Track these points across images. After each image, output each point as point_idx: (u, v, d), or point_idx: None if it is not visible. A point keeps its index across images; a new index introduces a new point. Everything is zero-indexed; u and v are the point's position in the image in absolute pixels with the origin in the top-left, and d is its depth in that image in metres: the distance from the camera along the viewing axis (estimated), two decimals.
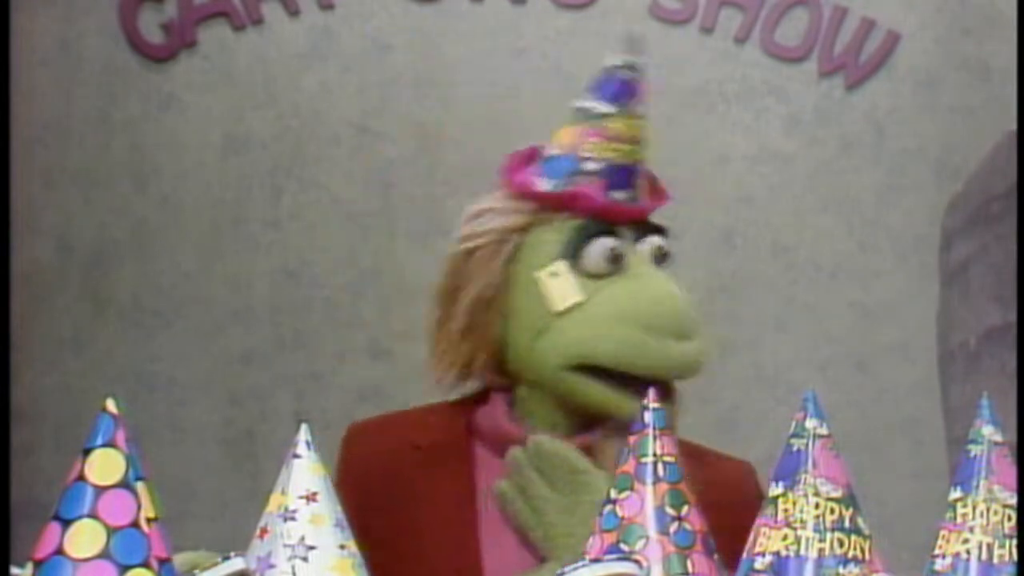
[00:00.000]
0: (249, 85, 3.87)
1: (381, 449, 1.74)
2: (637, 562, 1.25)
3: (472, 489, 1.71)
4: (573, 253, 1.69)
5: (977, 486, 1.25)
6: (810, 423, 1.28)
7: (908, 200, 3.80)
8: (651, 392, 1.35)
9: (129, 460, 1.16)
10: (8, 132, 3.40)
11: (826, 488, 1.25)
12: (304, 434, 1.31)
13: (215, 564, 1.21)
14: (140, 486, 1.18)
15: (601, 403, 1.70)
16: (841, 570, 1.22)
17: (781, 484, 1.26)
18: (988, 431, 1.27)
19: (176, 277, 3.85)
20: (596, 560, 1.24)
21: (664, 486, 1.29)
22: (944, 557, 1.25)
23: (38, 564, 1.12)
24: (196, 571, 1.21)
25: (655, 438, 1.32)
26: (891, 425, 3.74)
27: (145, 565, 1.13)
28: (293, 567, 1.23)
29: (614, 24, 3.84)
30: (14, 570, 1.21)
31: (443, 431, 1.74)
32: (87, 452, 1.15)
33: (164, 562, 1.17)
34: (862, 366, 3.77)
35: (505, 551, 1.67)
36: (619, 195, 1.71)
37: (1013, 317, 2.43)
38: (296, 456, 1.29)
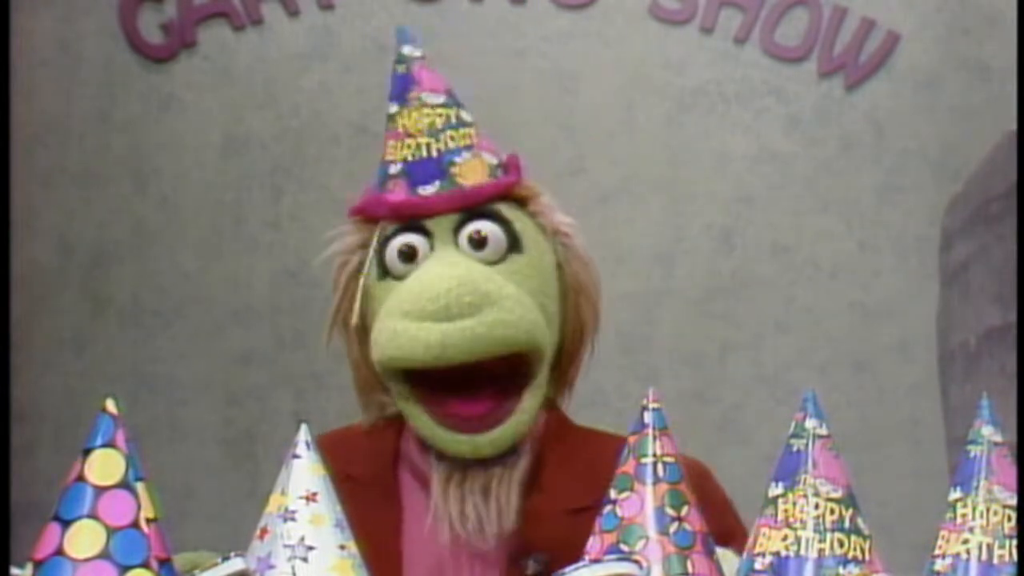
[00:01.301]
0: (249, 85, 3.88)
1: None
2: (637, 562, 1.25)
3: (398, 518, 1.69)
4: (380, 260, 1.68)
5: (977, 486, 1.25)
6: (810, 423, 1.28)
7: (908, 200, 3.80)
8: (651, 392, 1.35)
9: (129, 460, 1.16)
10: (8, 132, 3.40)
11: (826, 488, 1.25)
12: (304, 434, 1.31)
13: (215, 564, 1.20)
14: (140, 486, 1.17)
15: (418, 429, 1.67)
16: (841, 570, 1.22)
17: (781, 484, 1.26)
18: (988, 431, 1.27)
19: (176, 277, 3.85)
20: (596, 560, 1.24)
21: (664, 486, 1.29)
22: (944, 557, 1.25)
23: (38, 564, 1.12)
24: (196, 571, 1.21)
25: (655, 438, 1.31)
26: (891, 425, 3.74)
27: (145, 565, 1.13)
28: (293, 567, 1.23)
29: (614, 24, 3.85)
30: (14, 570, 1.21)
31: (373, 461, 1.72)
32: (87, 452, 1.15)
33: (164, 562, 1.17)
34: (862, 366, 3.77)
35: (427, 573, 1.66)
36: (427, 189, 1.67)
37: (1013, 317, 2.43)
38: (296, 456, 1.29)
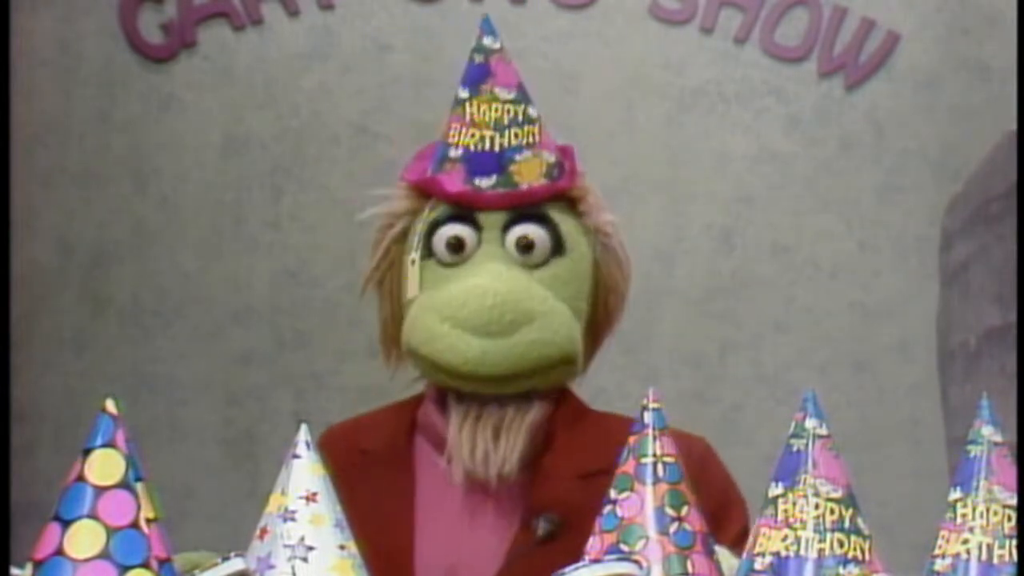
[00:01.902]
0: (249, 85, 3.87)
1: (335, 455, 1.76)
2: (637, 562, 1.25)
3: (411, 485, 1.73)
4: (427, 241, 1.72)
5: (977, 486, 1.25)
6: (810, 423, 1.28)
7: (908, 200, 3.80)
8: (651, 392, 1.35)
9: (129, 460, 1.16)
10: (8, 132, 3.40)
11: (826, 488, 1.25)
12: (304, 434, 1.31)
13: (215, 564, 1.21)
14: (140, 486, 1.18)
15: (431, 353, 1.70)
16: (841, 570, 1.23)
17: (781, 484, 1.26)
18: (988, 431, 1.27)
19: (176, 277, 3.85)
20: (596, 560, 1.24)
21: (664, 486, 1.29)
22: (944, 557, 1.25)
23: (38, 564, 1.12)
24: (196, 571, 1.21)
25: (655, 438, 1.32)
26: (891, 425, 3.73)
27: (145, 565, 1.13)
28: (293, 567, 1.23)
29: (614, 24, 3.84)
30: (14, 570, 1.21)
31: (389, 432, 1.77)
32: (87, 452, 1.15)
33: (164, 562, 1.17)
34: (862, 366, 3.77)
35: (438, 536, 1.70)
36: (483, 182, 1.71)
37: (1013, 317, 2.43)
38: (296, 456, 1.29)
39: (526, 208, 1.71)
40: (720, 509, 1.59)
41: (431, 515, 1.72)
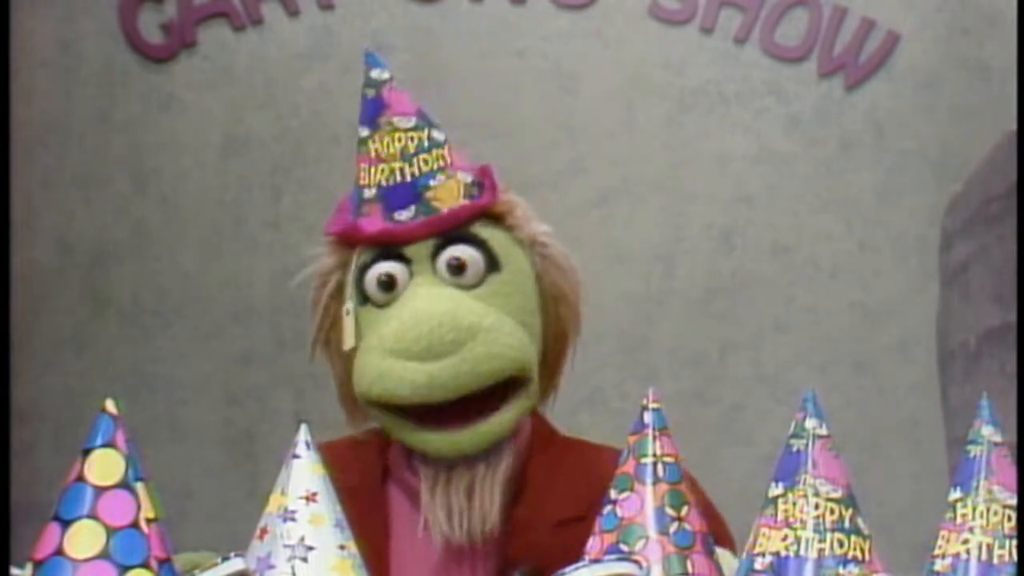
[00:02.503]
0: (249, 85, 3.87)
1: None
2: (637, 562, 1.25)
3: (385, 531, 1.70)
4: (359, 287, 1.69)
5: (977, 486, 1.25)
6: (810, 423, 1.28)
7: (908, 200, 3.80)
8: (651, 392, 1.35)
9: (129, 460, 1.16)
10: (8, 132, 3.40)
11: (826, 488, 1.25)
12: (304, 434, 1.31)
13: (215, 564, 1.21)
14: (140, 486, 1.18)
15: (399, 437, 1.69)
16: (841, 570, 1.23)
17: (781, 484, 1.26)
18: (988, 431, 1.27)
19: (176, 277, 3.85)
20: (596, 560, 1.24)
21: (664, 486, 1.29)
22: (944, 557, 1.25)
23: (38, 564, 1.12)
24: (196, 571, 1.21)
25: (654, 438, 1.32)
26: (891, 425, 3.73)
27: (145, 565, 1.13)
28: (293, 567, 1.23)
29: (614, 24, 3.84)
30: (14, 570, 1.21)
31: (361, 473, 1.73)
32: (87, 452, 1.16)
33: (164, 562, 1.17)
34: (862, 366, 3.77)
35: None
36: (403, 215, 1.67)
37: (1013, 317, 2.43)
38: (296, 456, 1.29)
39: (451, 232, 1.67)
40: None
41: (405, 563, 1.69)
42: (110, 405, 1.18)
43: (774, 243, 3.82)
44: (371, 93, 1.70)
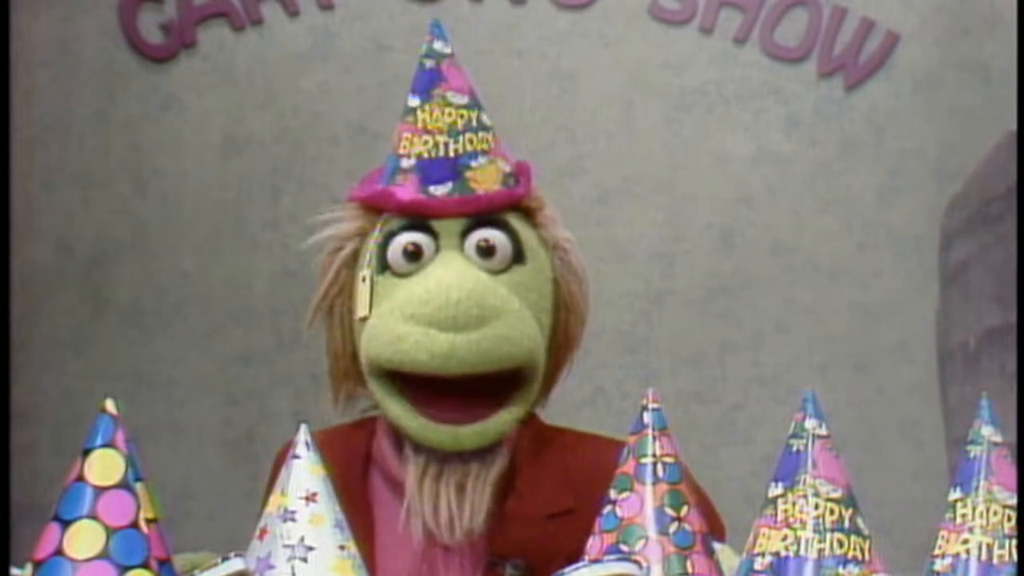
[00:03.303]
0: (249, 85, 3.87)
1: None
2: (637, 562, 1.25)
3: (370, 523, 1.68)
4: (382, 254, 1.67)
5: (977, 487, 1.25)
6: (809, 423, 1.28)
7: (908, 200, 3.80)
8: (651, 392, 1.35)
9: (128, 461, 1.16)
10: (8, 132, 3.40)
11: (826, 488, 1.25)
12: (304, 434, 1.31)
13: (214, 564, 1.21)
14: (139, 487, 1.18)
15: (397, 419, 1.66)
16: (841, 570, 1.23)
17: (781, 484, 1.26)
18: (988, 432, 1.27)
19: (176, 277, 3.85)
20: (596, 560, 1.24)
21: (664, 486, 1.29)
22: (944, 557, 1.25)
23: (38, 565, 1.13)
24: (196, 571, 1.21)
25: (654, 438, 1.32)
26: (891, 425, 3.73)
27: (144, 566, 1.13)
28: (292, 568, 1.23)
29: (614, 24, 3.84)
30: (14, 571, 1.21)
31: (342, 462, 1.66)
32: (86, 453, 1.16)
33: (164, 562, 1.17)
34: (861, 366, 3.77)
35: None
36: (439, 189, 1.66)
37: (1013, 318, 2.44)
38: (295, 457, 1.29)
39: (484, 215, 1.67)
40: None
41: (390, 555, 1.66)
42: (110, 405, 1.18)
43: (774, 243, 3.82)
44: (429, 64, 1.70)
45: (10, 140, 3.49)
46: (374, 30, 3.86)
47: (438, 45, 1.71)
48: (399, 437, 1.69)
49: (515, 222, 1.70)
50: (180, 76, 3.88)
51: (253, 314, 3.83)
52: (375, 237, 1.68)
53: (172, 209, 3.86)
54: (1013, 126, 2.71)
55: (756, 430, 3.68)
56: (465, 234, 1.66)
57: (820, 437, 1.27)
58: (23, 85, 3.79)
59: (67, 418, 3.71)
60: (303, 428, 1.31)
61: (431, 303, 1.60)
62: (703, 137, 3.84)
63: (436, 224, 1.66)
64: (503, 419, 1.65)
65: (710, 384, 3.78)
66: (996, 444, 1.27)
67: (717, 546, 1.33)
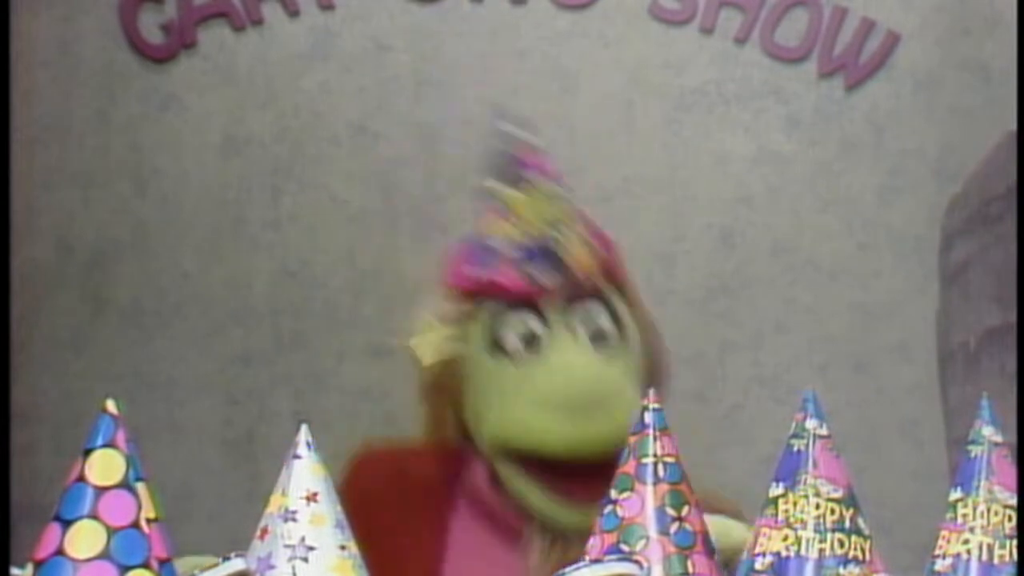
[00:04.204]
0: (249, 85, 3.87)
1: (375, 485, 1.74)
2: (638, 562, 1.25)
3: (441, 548, 1.72)
4: (492, 337, 1.71)
5: (977, 487, 1.25)
6: (810, 423, 1.28)
7: (908, 200, 3.80)
8: (651, 392, 1.35)
9: (129, 461, 1.16)
10: (8, 132, 3.40)
11: (826, 488, 1.25)
12: (304, 434, 1.31)
13: (215, 564, 1.21)
14: (140, 487, 1.18)
15: (532, 503, 1.70)
16: (841, 570, 1.23)
17: (781, 484, 1.26)
18: (988, 432, 1.27)
19: (176, 277, 3.85)
20: (596, 560, 1.24)
21: (664, 486, 1.29)
22: (944, 557, 1.25)
23: (38, 565, 1.13)
24: (196, 571, 1.21)
25: (655, 438, 1.32)
26: (891, 425, 3.73)
27: (145, 566, 1.13)
28: (293, 568, 1.23)
29: (614, 24, 3.84)
30: (14, 571, 1.21)
31: (425, 480, 1.75)
32: (87, 453, 1.16)
33: (164, 563, 1.17)
34: (862, 366, 3.77)
35: None
36: (538, 271, 1.71)
37: (1013, 318, 2.44)
38: (296, 457, 1.29)
39: (580, 292, 1.72)
40: None
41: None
42: (110, 405, 1.18)
43: (774, 243, 3.82)
44: (516, 149, 1.81)
45: (10, 140, 3.49)
46: (374, 30, 3.86)
47: (525, 134, 1.85)
48: (496, 473, 1.74)
49: (616, 302, 1.76)
50: (180, 76, 3.88)
51: (253, 314, 3.83)
52: (483, 322, 1.72)
53: (172, 209, 3.86)
54: (1013, 126, 2.71)
55: (756, 430, 3.68)
56: (568, 310, 1.72)
57: (821, 437, 1.27)
58: (23, 85, 3.79)
59: (67, 418, 3.71)
60: (303, 428, 1.32)
61: (559, 392, 1.66)
62: (703, 137, 3.84)
63: (543, 305, 1.71)
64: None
65: (710, 384, 3.78)
66: (997, 444, 1.27)
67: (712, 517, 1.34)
